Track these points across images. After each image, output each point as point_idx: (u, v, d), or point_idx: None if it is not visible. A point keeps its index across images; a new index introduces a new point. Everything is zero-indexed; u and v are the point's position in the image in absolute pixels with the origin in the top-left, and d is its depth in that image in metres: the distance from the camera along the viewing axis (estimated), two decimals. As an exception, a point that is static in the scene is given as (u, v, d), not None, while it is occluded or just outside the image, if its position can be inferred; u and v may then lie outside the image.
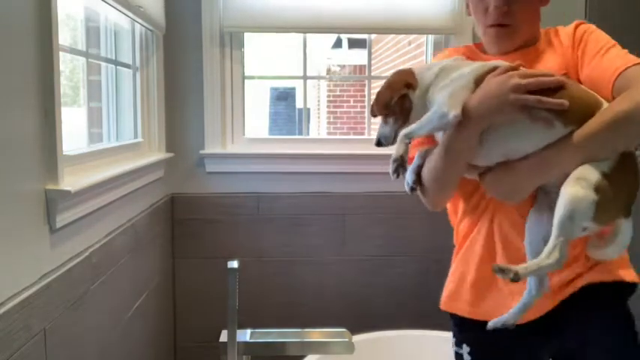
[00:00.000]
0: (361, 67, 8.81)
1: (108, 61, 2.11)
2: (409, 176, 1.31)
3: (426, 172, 1.30)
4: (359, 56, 8.69)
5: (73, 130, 1.82)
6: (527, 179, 1.18)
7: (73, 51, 1.84)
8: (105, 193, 1.64)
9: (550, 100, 1.10)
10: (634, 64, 1.16)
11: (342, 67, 9.58)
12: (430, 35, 2.59)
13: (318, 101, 9.34)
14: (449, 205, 1.45)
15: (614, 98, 1.15)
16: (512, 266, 1.12)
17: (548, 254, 1.11)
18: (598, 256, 1.22)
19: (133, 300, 1.94)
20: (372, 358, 2.00)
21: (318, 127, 9.14)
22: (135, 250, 1.95)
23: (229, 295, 1.47)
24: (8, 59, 1.13)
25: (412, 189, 1.32)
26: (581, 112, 1.12)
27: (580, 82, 1.23)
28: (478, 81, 1.18)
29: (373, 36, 3.13)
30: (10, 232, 1.13)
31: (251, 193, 2.52)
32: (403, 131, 1.20)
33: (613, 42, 1.25)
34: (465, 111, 1.15)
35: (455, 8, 2.44)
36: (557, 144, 1.13)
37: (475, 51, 1.41)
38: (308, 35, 2.63)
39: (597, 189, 1.09)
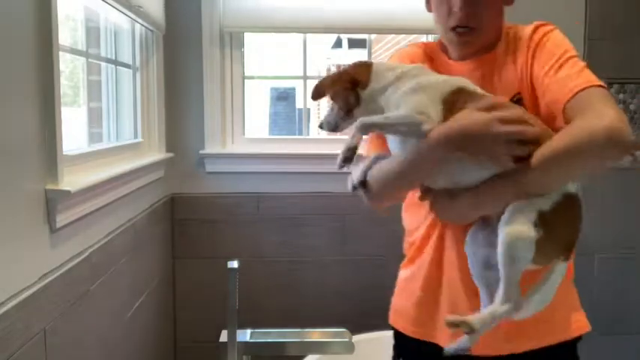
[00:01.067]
0: (361, 67, 8.79)
1: (108, 61, 2.11)
2: (358, 174, 1.24)
3: (376, 176, 1.22)
4: (359, 56, 8.67)
5: (73, 130, 1.82)
6: (468, 209, 1.14)
7: (73, 51, 1.84)
8: (105, 193, 1.64)
9: (520, 150, 1.05)
10: (586, 87, 1.07)
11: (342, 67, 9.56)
12: (430, 35, 2.59)
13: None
14: (405, 209, 1.41)
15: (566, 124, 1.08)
16: (466, 318, 1.07)
17: (502, 302, 1.06)
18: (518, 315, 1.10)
19: (133, 300, 1.94)
20: (372, 358, 2.00)
21: (318, 127, 9.12)
22: (135, 250, 1.95)
23: (229, 295, 1.47)
24: (8, 59, 1.13)
25: (354, 188, 1.25)
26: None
27: (535, 97, 1.17)
28: (445, 101, 1.11)
29: (373, 36, 3.13)
30: (10, 232, 1.13)
31: (251, 193, 2.52)
32: (363, 120, 1.13)
33: (569, 51, 1.15)
34: (442, 136, 1.08)
35: (455, 8, 2.44)
36: (494, 177, 1.09)
37: (436, 51, 1.33)
38: (308, 35, 2.63)
39: (536, 226, 1.04)
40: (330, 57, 9.32)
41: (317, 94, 1.22)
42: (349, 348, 1.59)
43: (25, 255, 1.19)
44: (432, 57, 1.31)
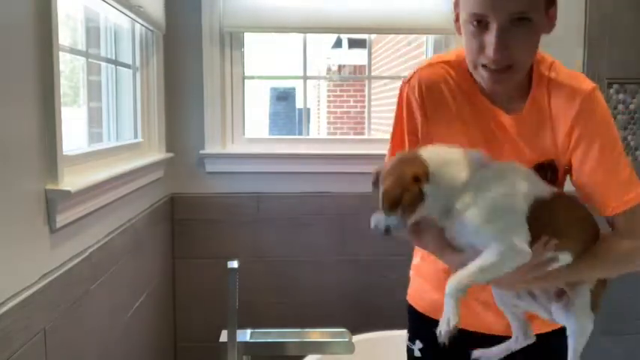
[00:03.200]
0: (361, 67, 8.81)
1: (108, 61, 2.11)
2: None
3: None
4: (359, 56, 8.68)
5: (73, 130, 1.82)
6: (515, 280, 1.15)
7: (73, 51, 1.84)
8: (105, 193, 1.64)
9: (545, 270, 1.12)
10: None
11: (342, 67, 9.58)
12: (430, 35, 2.59)
13: (318, 101, 9.34)
14: None
15: (610, 223, 1.19)
16: None
17: None
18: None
19: (133, 300, 1.94)
20: (372, 358, 2.00)
21: (318, 127, 9.14)
22: (135, 250, 1.95)
23: (229, 295, 1.47)
24: (8, 59, 1.13)
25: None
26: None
27: (568, 165, 1.21)
28: (528, 220, 1.10)
29: (373, 36, 3.13)
30: (10, 232, 1.13)
31: (251, 193, 2.52)
32: (458, 284, 1.09)
33: (618, 142, 1.18)
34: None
35: (455, 8, 2.44)
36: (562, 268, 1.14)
37: (466, 77, 1.23)
38: (308, 35, 2.63)
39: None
40: (330, 57, 9.33)
41: (390, 206, 1.20)
42: (349, 348, 1.59)
43: (25, 255, 1.19)
44: (460, 84, 1.24)
